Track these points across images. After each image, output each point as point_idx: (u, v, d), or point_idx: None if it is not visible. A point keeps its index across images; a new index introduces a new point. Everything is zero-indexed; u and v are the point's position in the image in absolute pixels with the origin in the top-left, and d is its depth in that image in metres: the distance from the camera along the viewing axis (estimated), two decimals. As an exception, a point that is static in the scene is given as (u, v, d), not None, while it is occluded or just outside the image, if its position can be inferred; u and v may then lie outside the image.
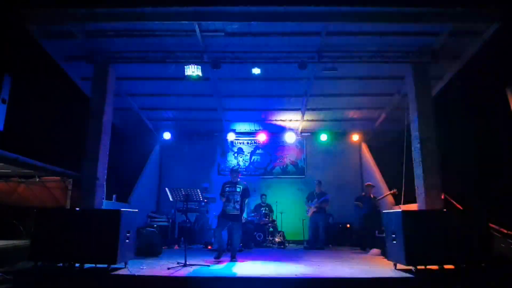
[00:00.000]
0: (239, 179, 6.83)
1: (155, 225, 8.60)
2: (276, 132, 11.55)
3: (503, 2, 6.30)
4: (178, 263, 5.60)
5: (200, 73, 7.30)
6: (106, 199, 7.58)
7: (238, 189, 6.63)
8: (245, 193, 6.70)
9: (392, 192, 8.69)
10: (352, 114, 10.58)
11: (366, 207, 8.72)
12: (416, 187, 7.03)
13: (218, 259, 6.29)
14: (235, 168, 7.06)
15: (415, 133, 7.13)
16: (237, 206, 6.54)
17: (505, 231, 6.09)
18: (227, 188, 6.68)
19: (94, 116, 7.12)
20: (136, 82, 8.77)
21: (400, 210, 5.21)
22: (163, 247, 7.56)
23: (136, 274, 4.85)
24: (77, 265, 5.07)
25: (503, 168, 7.74)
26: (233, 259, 6.33)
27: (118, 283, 4.73)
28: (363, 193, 9.05)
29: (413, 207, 7.26)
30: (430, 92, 7.29)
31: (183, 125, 11.28)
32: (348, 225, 9.67)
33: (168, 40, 7.17)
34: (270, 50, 7.32)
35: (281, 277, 4.77)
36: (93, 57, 7.24)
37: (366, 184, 9.30)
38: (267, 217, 9.51)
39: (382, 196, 9.00)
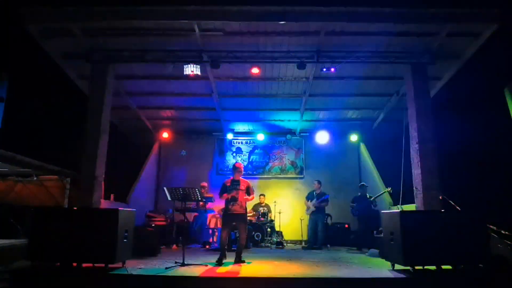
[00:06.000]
0: (241, 177, 6.46)
1: (153, 225, 8.57)
2: (275, 132, 11.55)
3: (501, 3, 6.31)
4: (176, 262, 5.59)
5: (199, 72, 7.29)
6: (104, 198, 7.56)
7: (242, 187, 6.29)
8: (249, 191, 6.39)
9: (386, 190, 8.69)
10: (350, 114, 10.60)
11: (362, 207, 8.72)
12: (414, 188, 7.04)
13: (221, 264, 5.81)
14: (236, 166, 6.50)
15: (413, 133, 7.14)
16: (243, 205, 6.25)
17: (503, 232, 6.10)
18: (230, 186, 6.27)
19: (93, 115, 7.10)
20: (135, 81, 8.75)
21: (398, 210, 5.21)
22: (161, 247, 7.55)
23: (134, 273, 4.84)
24: (74, 264, 5.05)
25: (501, 168, 7.76)
26: (240, 260, 6.06)
27: (116, 282, 4.71)
28: (359, 193, 9.04)
29: (411, 207, 7.26)
30: (428, 92, 7.30)
31: (181, 124, 11.27)
32: (346, 225, 9.67)
33: (167, 39, 7.15)
34: (269, 50, 7.32)
35: (279, 277, 4.77)
36: (91, 56, 7.23)
37: (360, 184, 9.29)
38: (266, 216, 9.50)
39: (377, 195, 9.01)
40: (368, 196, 8.80)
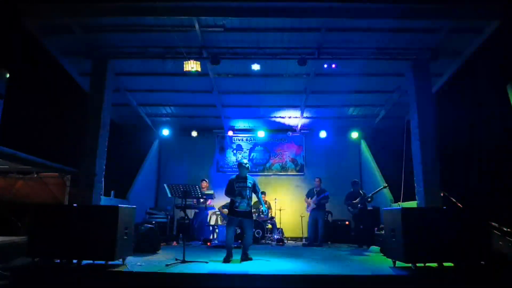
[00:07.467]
0: (247, 174, 6.35)
1: (153, 222, 8.58)
2: (275, 129, 11.53)
3: (504, -1, 6.27)
4: (176, 259, 5.59)
5: (199, 69, 7.25)
6: (104, 195, 7.56)
7: (249, 184, 6.22)
8: (256, 188, 6.35)
9: (382, 188, 8.67)
10: (351, 111, 10.57)
11: (356, 204, 8.70)
12: (415, 185, 7.02)
13: (228, 262, 5.79)
14: (244, 163, 6.38)
15: (414, 130, 7.11)
16: (250, 203, 6.19)
17: (504, 229, 6.08)
18: (238, 184, 6.19)
19: (93, 112, 7.08)
20: (135, 77, 8.73)
21: (400, 207, 5.19)
22: (162, 244, 7.54)
23: (134, 270, 4.83)
24: (74, 261, 5.05)
25: (503, 165, 7.73)
26: (247, 257, 6.06)
27: (116, 279, 4.70)
28: (352, 190, 8.99)
29: (412, 204, 7.25)
30: (430, 89, 7.27)
31: (182, 121, 11.25)
32: (347, 222, 9.66)
33: (167, 35, 7.12)
34: (270, 46, 7.29)
35: (280, 274, 4.76)
36: (91, 53, 7.20)
37: (352, 181, 9.25)
38: (266, 214, 9.48)
39: (373, 192, 8.98)
40: (361, 193, 8.76)
